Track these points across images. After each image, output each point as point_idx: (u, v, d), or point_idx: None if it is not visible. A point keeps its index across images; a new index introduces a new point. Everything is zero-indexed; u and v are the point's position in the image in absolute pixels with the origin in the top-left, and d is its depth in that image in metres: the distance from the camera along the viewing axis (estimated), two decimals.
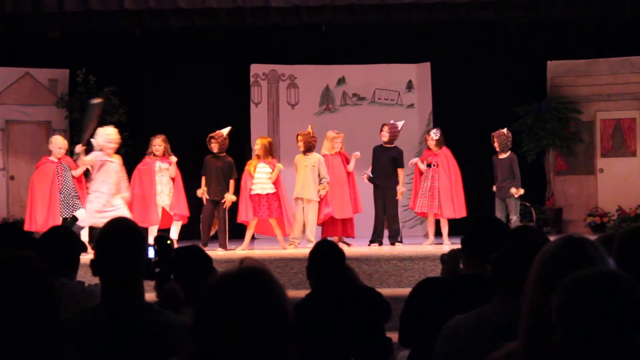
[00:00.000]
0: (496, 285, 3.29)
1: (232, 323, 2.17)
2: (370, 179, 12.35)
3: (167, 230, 12.04)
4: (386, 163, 12.32)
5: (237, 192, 12.11)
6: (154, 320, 3.24)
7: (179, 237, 12.04)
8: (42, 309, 2.62)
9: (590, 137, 14.89)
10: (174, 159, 12.16)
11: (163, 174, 12.15)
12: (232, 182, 12.13)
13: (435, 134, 12.42)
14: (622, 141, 14.74)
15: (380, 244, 12.17)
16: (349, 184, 12.23)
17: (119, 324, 3.20)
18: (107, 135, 11.55)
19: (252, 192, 11.80)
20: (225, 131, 12.26)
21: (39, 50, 14.59)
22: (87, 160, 11.58)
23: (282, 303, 2.24)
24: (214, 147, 12.16)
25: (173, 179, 12.19)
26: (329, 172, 12.08)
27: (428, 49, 15.24)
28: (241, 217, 11.94)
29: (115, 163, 11.59)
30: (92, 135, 11.58)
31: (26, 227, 11.43)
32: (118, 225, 3.41)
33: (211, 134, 12.22)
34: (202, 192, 12.08)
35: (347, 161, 12.28)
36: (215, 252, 10.90)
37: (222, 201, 12.05)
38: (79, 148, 11.61)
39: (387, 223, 12.30)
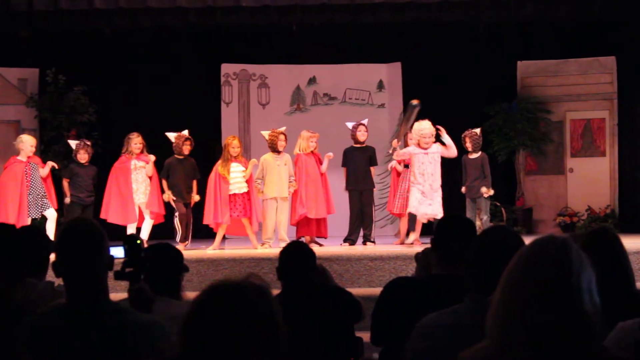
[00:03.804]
0: (469, 285, 3.29)
1: (224, 328, 2.17)
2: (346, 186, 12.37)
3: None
4: (362, 163, 12.30)
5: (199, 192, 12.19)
6: (119, 319, 3.21)
7: (149, 236, 11.96)
8: None
9: (560, 137, 14.97)
10: (152, 157, 12.10)
11: (139, 172, 12.08)
12: (195, 183, 12.19)
13: None
14: (591, 141, 14.84)
15: (352, 243, 12.16)
16: (322, 185, 12.21)
17: (83, 324, 3.17)
18: (420, 130, 11.76)
19: (230, 192, 11.75)
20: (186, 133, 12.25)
21: (8, 49, 14.45)
22: (400, 154, 11.96)
23: (277, 326, 2.25)
24: (188, 149, 12.10)
25: (150, 178, 12.13)
26: (303, 172, 12.07)
27: (399, 49, 15.27)
28: (212, 219, 11.81)
29: (429, 155, 11.76)
30: (404, 133, 12.28)
31: None
32: (76, 225, 3.37)
33: (188, 136, 12.14)
34: (168, 196, 12.02)
35: (320, 161, 12.25)
36: (187, 252, 10.84)
37: (193, 202, 12.11)
38: (395, 142, 12.18)
39: (364, 224, 12.27)
